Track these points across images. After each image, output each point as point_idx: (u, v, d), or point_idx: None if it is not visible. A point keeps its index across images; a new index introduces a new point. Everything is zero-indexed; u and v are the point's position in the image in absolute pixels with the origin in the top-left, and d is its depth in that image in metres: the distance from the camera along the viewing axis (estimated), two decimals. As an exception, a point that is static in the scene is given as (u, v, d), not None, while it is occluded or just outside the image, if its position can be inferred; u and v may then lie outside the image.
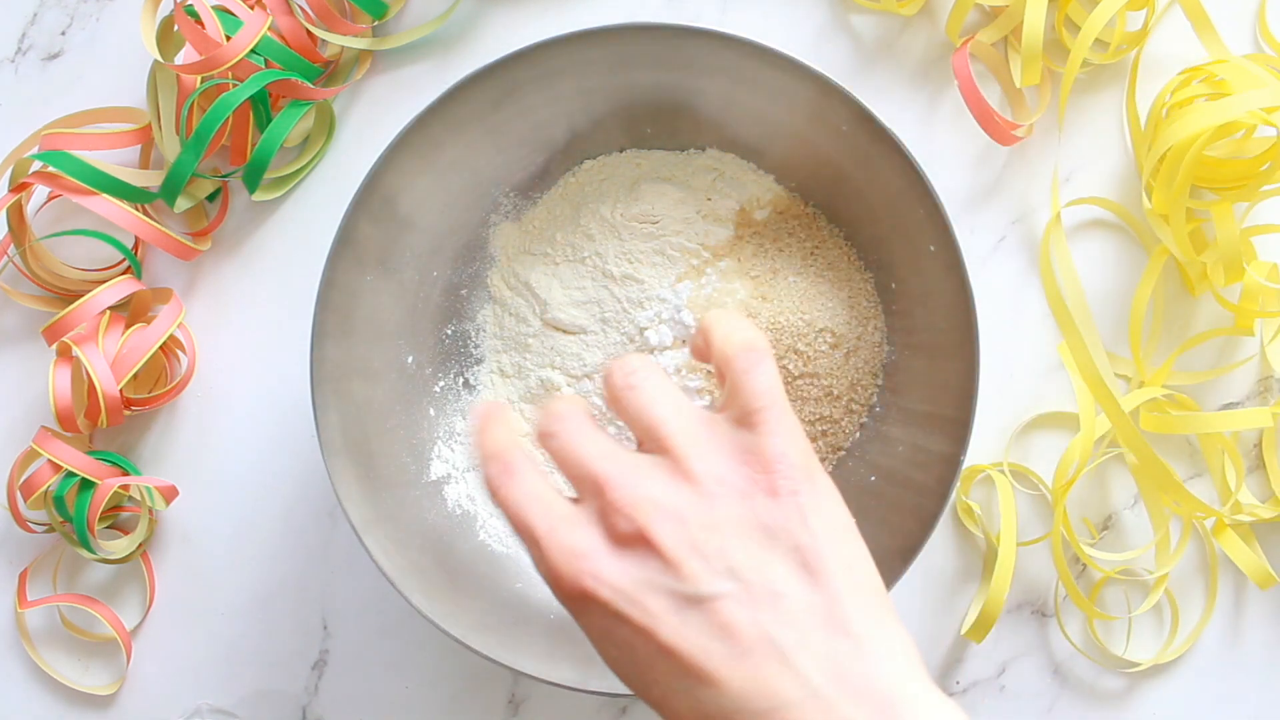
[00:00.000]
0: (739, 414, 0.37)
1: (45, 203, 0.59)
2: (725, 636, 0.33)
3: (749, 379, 0.37)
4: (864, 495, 0.54)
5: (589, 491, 0.36)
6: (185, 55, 0.58)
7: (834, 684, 0.33)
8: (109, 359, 0.55)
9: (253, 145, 0.57)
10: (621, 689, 0.49)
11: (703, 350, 0.40)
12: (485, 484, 0.38)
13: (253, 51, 0.55)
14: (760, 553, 0.34)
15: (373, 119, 0.59)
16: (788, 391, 0.53)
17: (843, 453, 0.55)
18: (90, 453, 0.57)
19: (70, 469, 0.56)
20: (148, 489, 0.57)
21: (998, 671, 0.58)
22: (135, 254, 0.58)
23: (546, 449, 0.38)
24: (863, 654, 0.33)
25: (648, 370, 0.38)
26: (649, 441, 0.37)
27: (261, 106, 0.56)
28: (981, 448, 0.58)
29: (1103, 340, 0.57)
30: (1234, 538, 0.56)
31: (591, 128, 0.55)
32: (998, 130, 0.56)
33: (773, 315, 0.53)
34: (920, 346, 0.53)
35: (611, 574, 0.34)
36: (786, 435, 0.36)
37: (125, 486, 0.57)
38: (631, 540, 0.35)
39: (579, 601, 0.35)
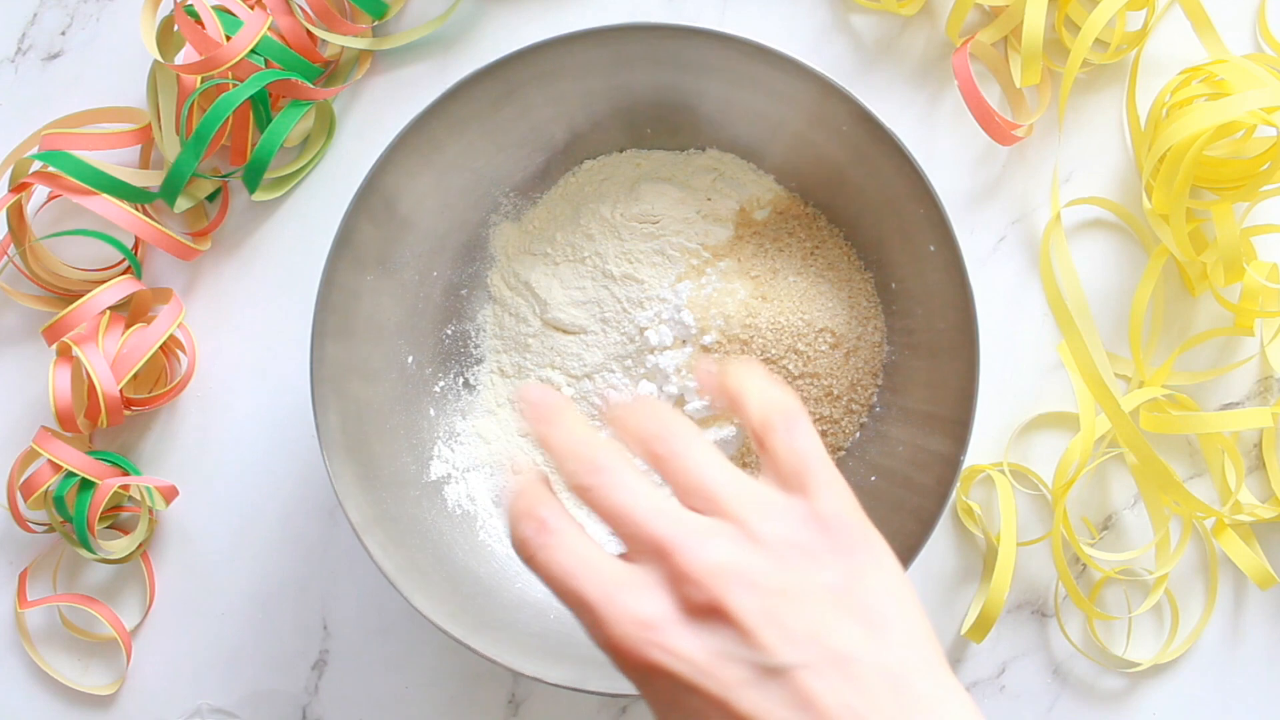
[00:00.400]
0: (784, 478, 0.36)
1: (45, 203, 0.59)
2: (805, 707, 0.32)
3: (791, 443, 0.36)
4: (864, 495, 0.53)
5: (649, 555, 0.34)
6: (185, 55, 0.58)
7: None
8: (109, 359, 0.55)
9: (253, 145, 0.57)
10: (621, 689, 0.49)
11: (718, 398, 0.39)
12: (515, 545, 0.35)
13: (253, 51, 0.55)
14: (833, 617, 0.33)
15: (373, 119, 0.59)
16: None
17: (843, 453, 0.55)
18: (90, 453, 0.57)
19: (70, 469, 0.56)
20: (148, 489, 0.57)
21: (998, 671, 0.58)
22: (135, 254, 0.58)
23: (586, 502, 0.35)
24: (933, 716, 0.33)
25: (681, 427, 0.37)
26: (701, 503, 0.35)
27: (261, 106, 0.56)
28: (981, 448, 0.58)
29: (1103, 340, 0.57)
30: (1234, 538, 0.56)
31: (591, 128, 0.55)
32: (998, 130, 0.56)
33: (773, 315, 0.53)
34: (920, 346, 0.53)
35: (684, 645, 0.33)
36: (839, 494, 0.35)
37: (125, 486, 0.57)
38: (705, 610, 0.33)
39: (646, 673, 0.33)
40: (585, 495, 0.35)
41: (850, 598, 0.34)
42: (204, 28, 0.54)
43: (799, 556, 0.34)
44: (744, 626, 0.32)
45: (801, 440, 0.36)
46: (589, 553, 0.35)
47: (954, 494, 0.51)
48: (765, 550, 0.34)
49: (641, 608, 0.33)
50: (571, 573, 0.34)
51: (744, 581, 0.33)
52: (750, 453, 0.55)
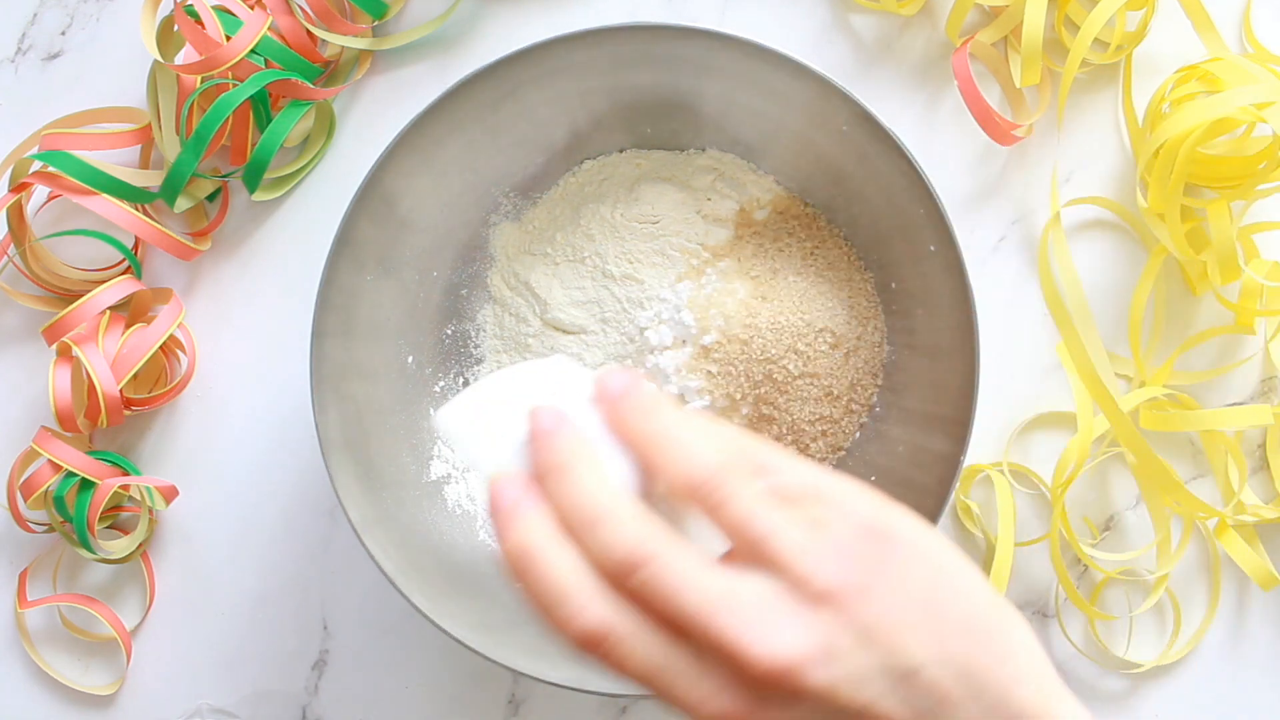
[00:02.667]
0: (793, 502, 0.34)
1: (45, 203, 0.59)
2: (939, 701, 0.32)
3: (794, 474, 0.34)
4: (864, 495, 0.54)
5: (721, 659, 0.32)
6: (185, 55, 0.58)
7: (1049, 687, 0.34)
8: (109, 359, 0.55)
9: (253, 145, 0.57)
10: (620, 689, 0.49)
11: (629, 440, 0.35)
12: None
13: (253, 51, 0.55)
14: (917, 622, 0.33)
15: (373, 119, 0.59)
16: (788, 391, 0.53)
17: (843, 453, 0.55)
18: (90, 453, 0.57)
19: (70, 469, 0.56)
20: (148, 489, 0.57)
21: (998, 672, 0.57)
22: (135, 254, 0.58)
23: (629, 586, 0.32)
24: (1009, 664, 0.33)
25: (739, 466, 0.34)
26: (749, 553, 0.33)
27: (261, 106, 0.56)
28: (981, 447, 0.58)
29: (1103, 340, 0.57)
30: (1236, 538, 0.56)
31: (591, 128, 0.55)
32: (998, 130, 0.56)
33: (773, 315, 0.53)
34: (920, 346, 0.53)
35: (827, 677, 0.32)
36: (855, 496, 0.34)
37: (125, 486, 0.57)
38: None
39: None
40: (630, 581, 0.32)
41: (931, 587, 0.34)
42: (204, 28, 0.54)
43: (861, 592, 0.33)
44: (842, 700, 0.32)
45: (792, 469, 0.34)
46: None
47: (954, 494, 0.51)
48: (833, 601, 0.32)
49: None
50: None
51: (825, 658, 0.32)
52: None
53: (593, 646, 0.32)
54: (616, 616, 0.32)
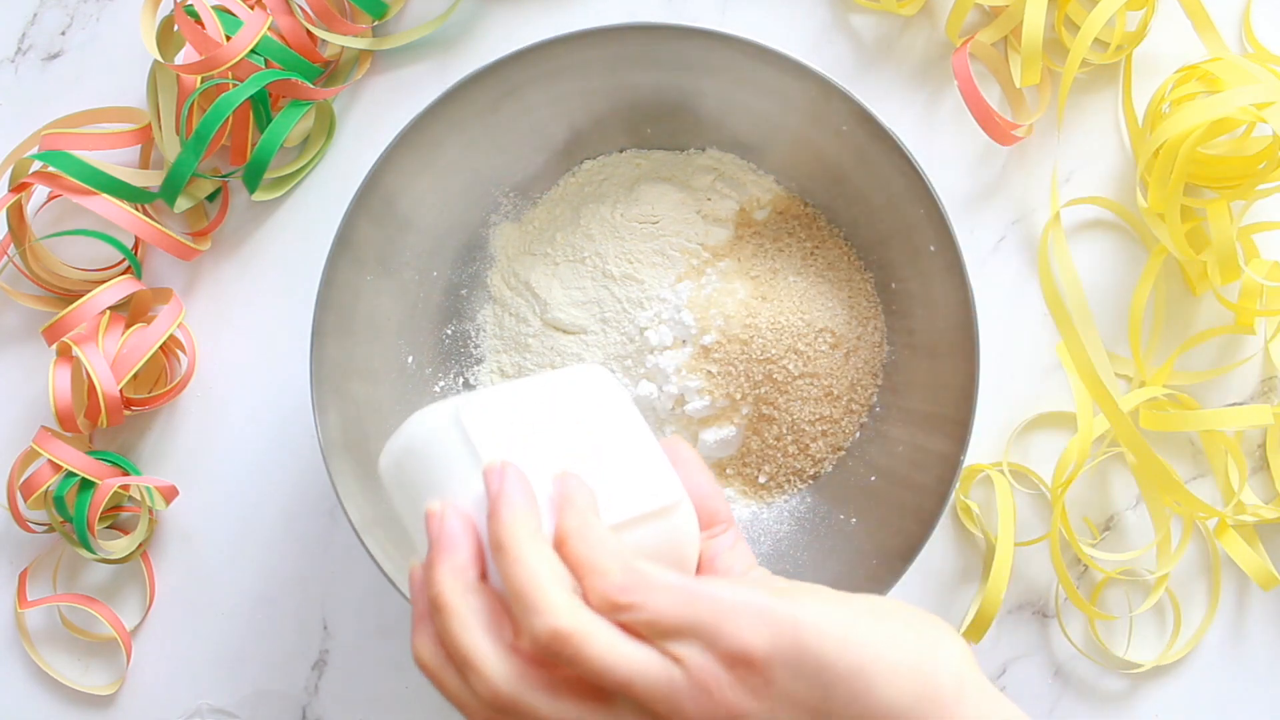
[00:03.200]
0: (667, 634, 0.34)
1: (45, 203, 0.59)
2: None
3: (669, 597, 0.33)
4: (864, 495, 0.54)
5: None
6: (185, 55, 0.58)
7: None
8: (109, 359, 0.55)
9: (253, 145, 0.57)
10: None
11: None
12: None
13: (253, 51, 0.55)
14: None
15: (373, 119, 0.59)
16: (788, 391, 0.53)
17: (843, 453, 0.55)
18: (90, 453, 0.57)
19: (70, 469, 0.56)
20: (148, 489, 0.57)
21: (998, 672, 0.57)
22: (135, 254, 0.58)
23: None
24: None
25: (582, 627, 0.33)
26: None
27: (261, 106, 0.56)
28: (981, 447, 0.58)
29: (1103, 340, 0.57)
30: (1236, 538, 0.56)
31: (591, 128, 0.55)
32: (998, 130, 0.56)
33: (773, 315, 0.53)
34: (920, 346, 0.53)
35: None
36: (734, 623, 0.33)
37: (125, 486, 0.57)
38: None
39: None
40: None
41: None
42: (204, 28, 0.54)
43: None
44: None
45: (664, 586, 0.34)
46: None
47: (954, 494, 0.51)
48: None
49: None
50: None
51: None
52: (751, 453, 0.55)
53: None
54: None
